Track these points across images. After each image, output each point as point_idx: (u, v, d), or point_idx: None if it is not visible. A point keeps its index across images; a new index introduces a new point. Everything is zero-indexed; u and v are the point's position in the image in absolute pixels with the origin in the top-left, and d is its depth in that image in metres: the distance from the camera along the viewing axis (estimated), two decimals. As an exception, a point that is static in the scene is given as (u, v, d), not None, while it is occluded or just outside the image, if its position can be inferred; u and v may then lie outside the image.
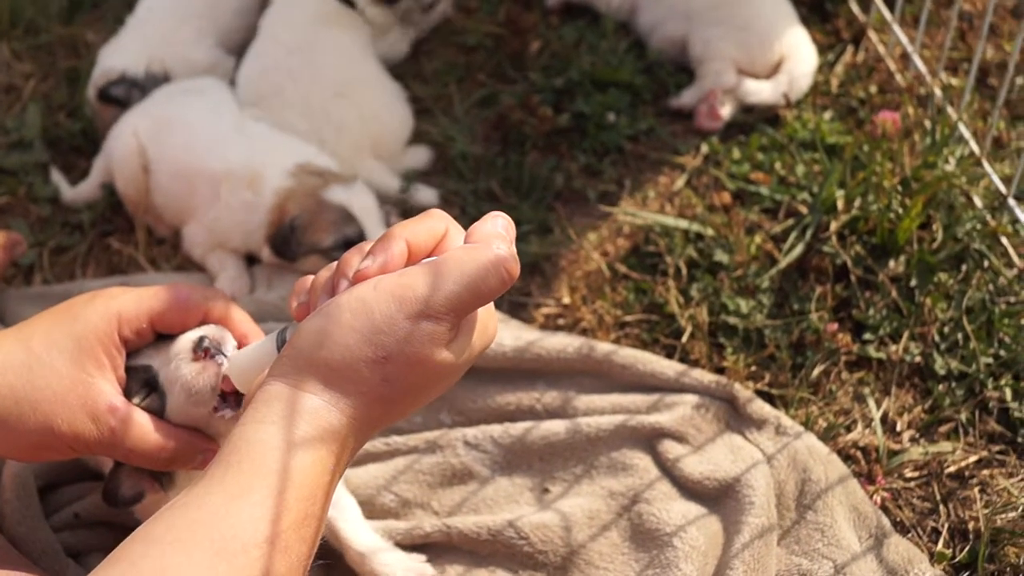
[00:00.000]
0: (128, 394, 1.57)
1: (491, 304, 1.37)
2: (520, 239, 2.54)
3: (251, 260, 2.61)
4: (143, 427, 1.54)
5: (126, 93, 2.80)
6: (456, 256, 1.31)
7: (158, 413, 1.57)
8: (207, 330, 1.59)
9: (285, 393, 1.29)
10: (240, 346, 1.60)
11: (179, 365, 1.57)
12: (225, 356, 1.56)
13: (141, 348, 1.61)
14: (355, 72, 2.83)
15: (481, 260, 1.30)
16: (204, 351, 1.56)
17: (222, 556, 1.18)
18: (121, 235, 2.68)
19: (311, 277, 1.44)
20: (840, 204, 2.48)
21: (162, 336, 1.62)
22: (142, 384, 1.58)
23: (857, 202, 2.48)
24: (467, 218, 2.63)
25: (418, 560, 2.00)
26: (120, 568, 1.19)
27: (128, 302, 1.58)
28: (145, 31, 2.95)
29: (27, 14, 3.23)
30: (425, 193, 2.69)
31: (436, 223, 1.38)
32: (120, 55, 2.89)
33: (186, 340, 1.58)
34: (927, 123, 2.67)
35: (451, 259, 1.30)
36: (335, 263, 1.40)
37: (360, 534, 1.97)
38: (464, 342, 1.34)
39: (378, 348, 1.27)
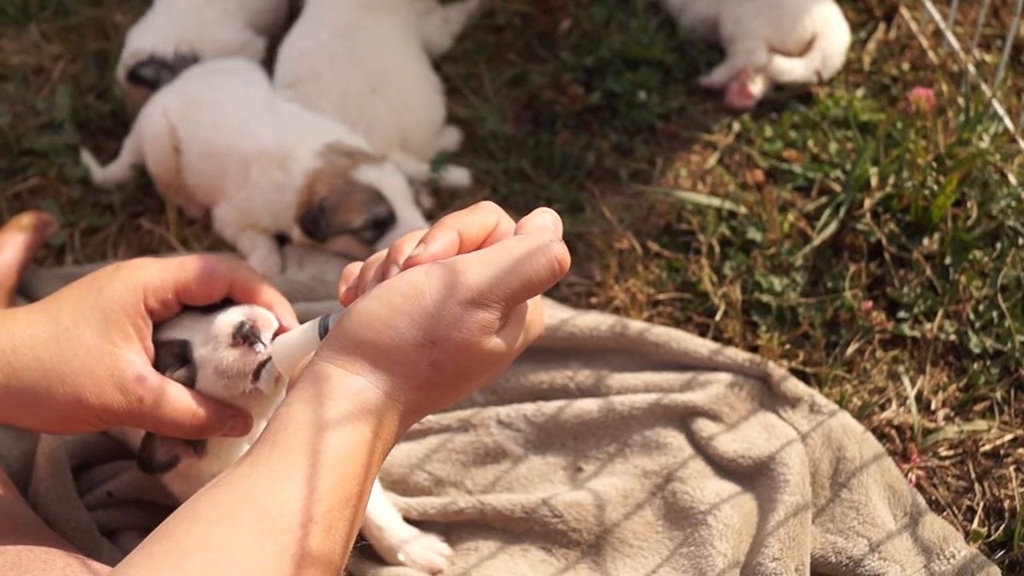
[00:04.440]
0: (160, 366, 1.57)
1: (539, 297, 1.38)
2: (551, 218, 2.54)
3: (282, 240, 2.61)
4: (174, 397, 1.54)
5: (155, 74, 2.80)
6: (509, 246, 1.31)
7: (188, 385, 1.57)
8: (247, 314, 1.58)
9: (332, 373, 1.29)
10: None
11: (217, 348, 1.56)
12: (264, 344, 1.55)
13: (170, 319, 1.61)
14: (395, 62, 2.80)
15: (533, 251, 1.30)
16: (243, 338, 1.55)
17: (268, 534, 1.19)
18: (152, 215, 2.68)
19: (360, 264, 1.44)
20: (874, 181, 2.47)
21: (188, 307, 1.62)
22: (175, 358, 1.58)
23: (891, 179, 2.46)
24: (498, 197, 2.64)
25: (435, 538, 2.02)
26: (165, 545, 1.19)
27: (153, 273, 1.58)
28: (174, 12, 2.95)
29: (55, -5, 3.25)
30: (456, 174, 2.69)
31: (488, 215, 1.38)
32: (149, 36, 2.89)
33: (226, 323, 1.57)
34: (961, 100, 2.65)
35: (504, 249, 1.31)
36: (385, 251, 1.40)
37: (380, 508, 1.98)
38: (513, 332, 1.34)
39: (427, 332, 1.27)
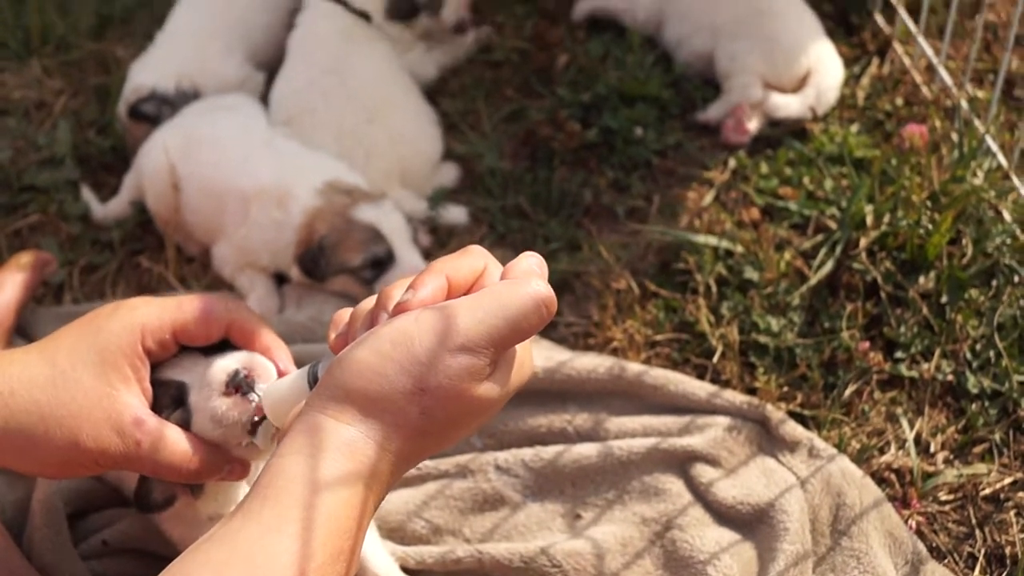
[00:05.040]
0: (157, 407, 1.56)
1: (529, 340, 1.38)
2: (549, 257, 2.55)
3: (281, 279, 2.61)
4: (171, 441, 1.54)
5: (156, 110, 2.81)
6: (497, 291, 1.32)
7: (183, 427, 1.57)
8: (243, 362, 1.58)
9: (324, 424, 1.29)
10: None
11: (211, 395, 1.56)
12: (258, 395, 1.55)
13: (168, 360, 1.61)
14: (387, 93, 2.83)
15: (522, 296, 1.31)
16: (236, 387, 1.55)
17: None
18: (151, 253, 2.68)
19: (350, 309, 1.45)
20: (869, 220, 2.48)
21: (186, 347, 1.62)
22: (172, 399, 1.58)
23: (886, 218, 2.47)
24: (495, 234, 2.64)
25: None
26: None
27: (151, 313, 1.58)
28: (175, 47, 2.96)
29: (58, 31, 3.25)
30: (454, 212, 2.70)
31: (476, 260, 1.39)
32: (150, 72, 2.89)
33: (220, 371, 1.57)
34: (954, 136, 2.66)
35: (492, 294, 1.32)
36: (374, 296, 1.41)
37: (378, 557, 1.97)
38: (502, 377, 1.35)
39: (417, 380, 1.28)
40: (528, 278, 1.34)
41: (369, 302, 1.42)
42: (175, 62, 2.91)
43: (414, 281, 1.36)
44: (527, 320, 1.31)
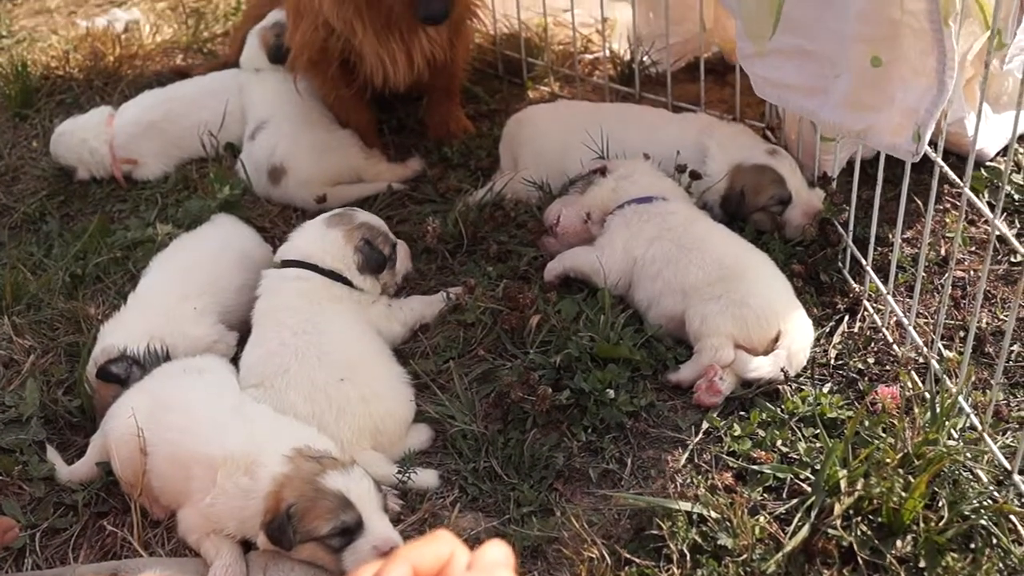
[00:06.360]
0: None
1: None
2: (521, 522, 2.53)
3: (248, 545, 2.55)
4: None
5: (126, 371, 2.82)
6: None
7: None
8: None
9: None
10: None
11: None
12: None
13: None
14: (358, 351, 2.86)
15: None
16: None
17: None
18: (115, 516, 2.64)
19: None
20: (843, 485, 2.45)
21: None
22: None
23: (860, 483, 2.45)
24: (467, 498, 2.61)
25: None
26: None
27: None
28: (146, 308, 2.99)
29: (30, 289, 3.27)
30: (425, 476, 2.67)
31: (442, 547, 1.37)
32: (121, 332, 2.92)
33: None
34: (927, 395, 2.66)
35: None
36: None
37: None
38: None
39: None
40: (493, 569, 1.31)
41: None
42: (146, 323, 2.93)
43: (379, 570, 1.33)
44: None
